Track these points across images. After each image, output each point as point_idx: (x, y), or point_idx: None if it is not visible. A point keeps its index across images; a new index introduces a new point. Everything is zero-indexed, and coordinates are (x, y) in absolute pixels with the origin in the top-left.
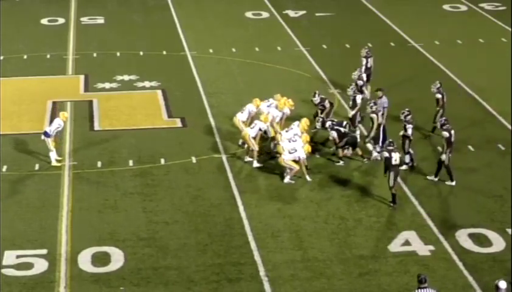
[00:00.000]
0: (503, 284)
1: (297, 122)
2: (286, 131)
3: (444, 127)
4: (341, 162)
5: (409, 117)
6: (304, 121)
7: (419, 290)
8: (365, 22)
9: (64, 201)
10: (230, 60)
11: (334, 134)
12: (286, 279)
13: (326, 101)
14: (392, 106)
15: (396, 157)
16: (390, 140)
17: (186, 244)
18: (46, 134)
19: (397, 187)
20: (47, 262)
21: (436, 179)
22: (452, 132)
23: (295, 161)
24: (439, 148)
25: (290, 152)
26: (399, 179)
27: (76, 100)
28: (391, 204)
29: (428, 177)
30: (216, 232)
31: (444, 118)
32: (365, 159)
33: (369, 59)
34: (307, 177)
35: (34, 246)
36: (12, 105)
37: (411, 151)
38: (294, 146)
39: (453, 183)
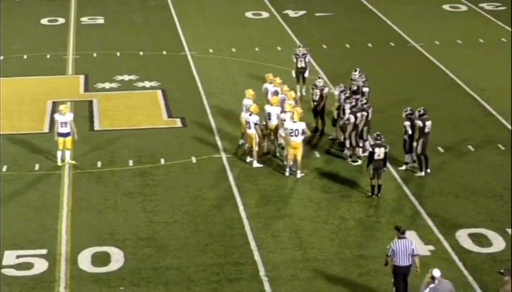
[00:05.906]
0: (436, 272)
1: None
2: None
3: (421, 117)
4: (359, 162)
5: (412, 115)
6: (296, 112)
7: (399, 240)
8: (365, 22)
9: (64, 201)
10: (230, 60)
11: (352, 118)
12: (286, 279)
13: (326, 90)
14: (392, 105)
15: (379, 152)
16: (378, 133)
17: (186, 244)
18: (67, 134)
19: (383, 180)
20: (47, 262)
21: (423, 174)
22: (427, 123)
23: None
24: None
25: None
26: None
27: (76, 100)
28: (373, 195)
29: (416, 174)
30: (216, 232)
31: (422, 108)
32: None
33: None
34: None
35: (34, 246)
36: (12, 105)
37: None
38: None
39: (423, 174)
